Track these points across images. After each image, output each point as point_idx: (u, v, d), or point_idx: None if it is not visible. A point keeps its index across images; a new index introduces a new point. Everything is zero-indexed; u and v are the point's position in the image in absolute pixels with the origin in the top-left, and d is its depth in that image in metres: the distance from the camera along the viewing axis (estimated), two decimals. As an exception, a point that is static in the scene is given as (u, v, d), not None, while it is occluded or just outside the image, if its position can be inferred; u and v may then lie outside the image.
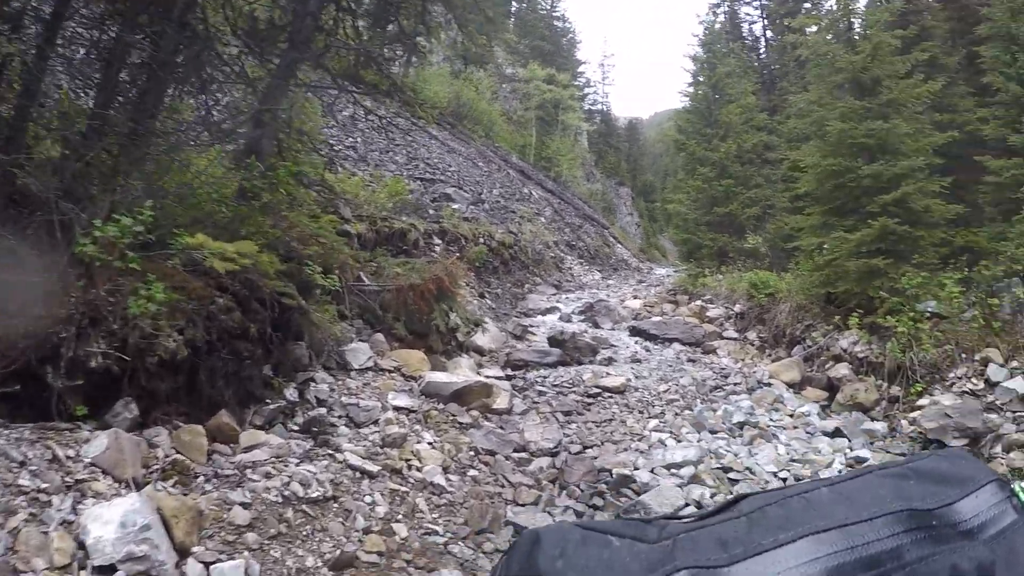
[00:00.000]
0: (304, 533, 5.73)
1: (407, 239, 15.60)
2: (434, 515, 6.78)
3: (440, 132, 32.48)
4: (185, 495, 5.48)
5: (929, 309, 11.28)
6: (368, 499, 6.54)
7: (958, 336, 10.63)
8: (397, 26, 12.51)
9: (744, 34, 44.57)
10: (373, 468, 7.01)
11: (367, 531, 6.08)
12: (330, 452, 7.10)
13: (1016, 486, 0.89)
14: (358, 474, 6.89)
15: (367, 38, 11.14)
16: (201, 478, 5.90)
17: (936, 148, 13.31)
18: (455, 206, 23.07)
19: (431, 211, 21.07)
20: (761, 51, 43.78)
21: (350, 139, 24.33)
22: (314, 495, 6.15)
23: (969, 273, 11.69)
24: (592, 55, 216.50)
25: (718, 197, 23.09)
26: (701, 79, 27.58)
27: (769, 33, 43.34)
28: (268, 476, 6.19)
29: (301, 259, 8.86)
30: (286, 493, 6.04)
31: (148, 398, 6.34)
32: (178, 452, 6.06)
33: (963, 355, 10.44)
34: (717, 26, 32.81)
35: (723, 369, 13.12)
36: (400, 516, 6.51)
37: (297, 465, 6.55)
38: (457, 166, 29.18)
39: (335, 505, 6.24)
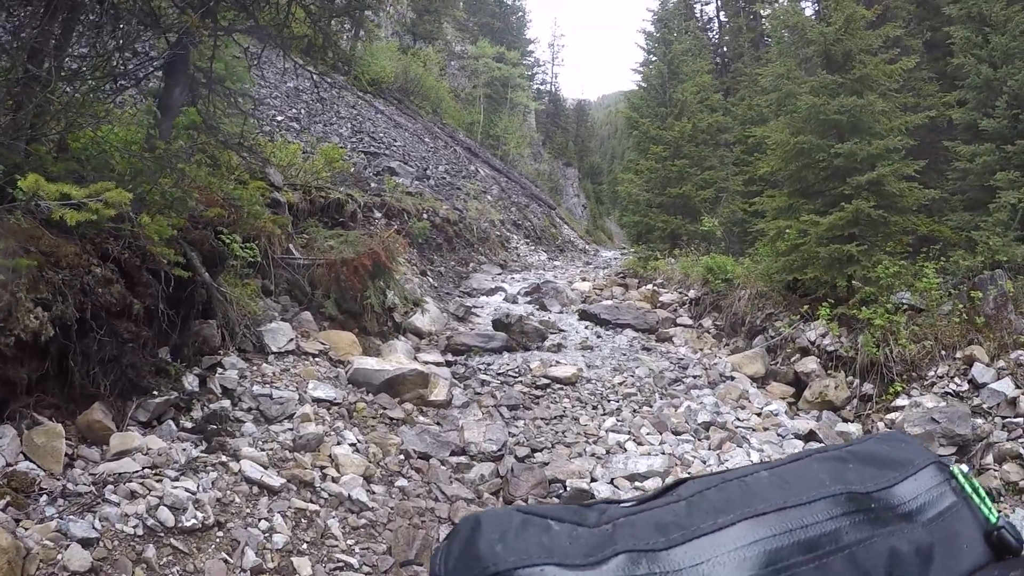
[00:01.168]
0: (168, 579, 4.55)
1: (344, 211, 14.49)
2: (349, 541, 5.67)
3: (387, 107, 31.79)
4: (17, 522, 4.28)
5: (904, 300, 10.55)
6: (264, 524, 5.39)
7: (937, 331, 9.94)
8: None
9: (697, 15, 43.99)
10: (275, 482, 5.87)
11: (257, 571, 4.91)
12: (223, 460, 5.91)
13: (955, 468, 0.88)
14: (256, 489, 5.74)
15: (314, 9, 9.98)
16: (44, 498, 4.72)
17: (908, 129, 12.59)
18: (399, 180, 22.27)
19: (373, 184, 20.12)
20: (714, 32, 43.32)
21: (293, 110, 23.72)
22: (189, 523, 4.94)
23: (944, 263, 11.00)
24: (542, 35, 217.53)
25: (671, 178, 22.34)
26: (655, 57, 26.82)
27: (723, 15, 42.77)
28: (132, 497, 5.01)
29: (212, 225, 7.66)
30: (150, 523, 4.84)
31: (4, 387, 5.19)
32: (27, 458, 4.90)
33: (943, 352, 9.74)
34: (670, 4, 31.94)
35: (681, 359, 12.29)
36: (305, 545, 5.39)
37: (175, 480, 5.36)
38: (403, 141, 28.38)
39: (219, 534, 5.07)
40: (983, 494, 0.86)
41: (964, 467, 0.94)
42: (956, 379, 9.21)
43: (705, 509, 0.79)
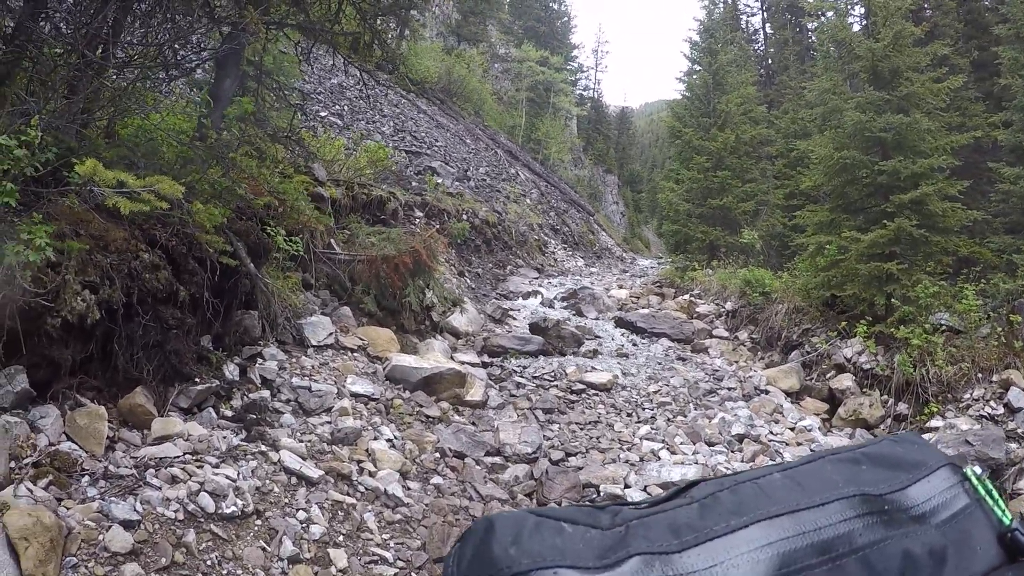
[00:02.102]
0: (208, 564, 4.60)
1: (386, 208, 14.58)
2: (385, 535, 5.70)
3: (429, 107, 31.98)
4: (59, 502, 4.35)
5: (943, 321, 10.43)
6: (302, 515, 5.43)
7: (975, 353, 9.79)
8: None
9: (743, 26, 43.79)
10: (314, 473, 5.92)
11: (294, 560, 4.95)
12: (263, 449, 5.97)
13: (968, 470, 0.88)
14: (294, 480, 5.78)
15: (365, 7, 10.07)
16: (86, 479, 4.78)
17: (953, 149, 12.45)
18: (440, 180, 22.38)
19: (414, 183, 20.22)
20: (759, 44, 43.09)
21: (336, 106, 23.94)
22: (229, 510, 4.99)
23: (984, 285, 10.86)
24: (587, 40, 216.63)
25: (712, 189, 22.23)
26: (699, 67, 26.67)
27: (768, 27, 42.52)
28: (173, 481, 5.06)
29: (259, 217, 7.75)
30: (191, 508, 4.89)
31: (49, 367, 5.27)
32: (70, 438, 4.96)
33: (980, 375, 9.60)
34: (717, 14, 31.78)
35: (716, 371, 12.21)
36: (341, 537, 5.43)
37: (216, 467, 5.41)
38: (444, 141, 28.50)
39: (258, 523, 5.11)
40: (996, 496, 0.86)
41: (977, 468, 0.88)
42: (992, 402, 9.07)
43: (718, 511, 0.79)
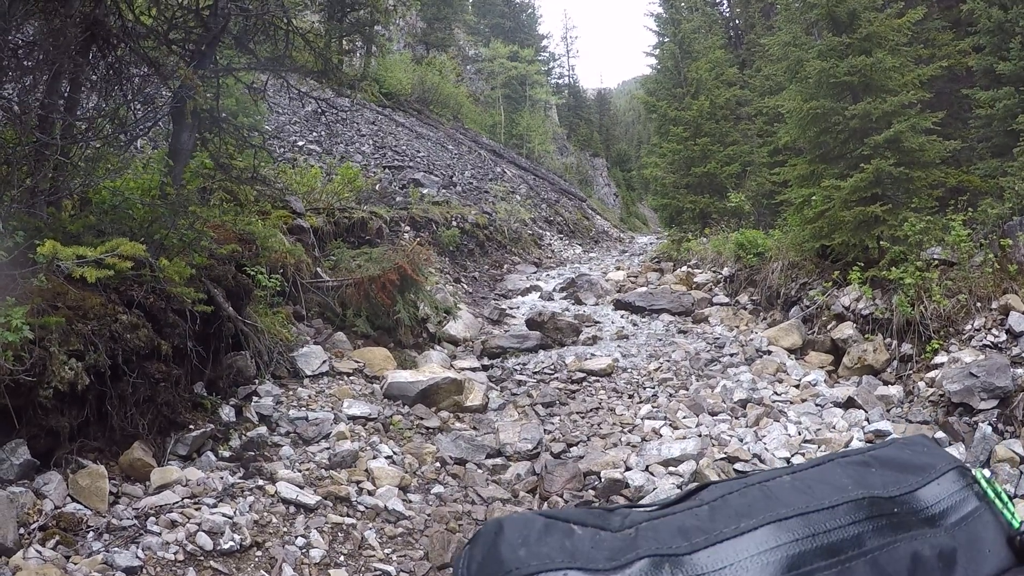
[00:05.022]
0: (209, 599, 4.70)
1: (368, 229, 14.62)
2: (387, 550, 5.76)
3: (407, 119, 31.92)
4: (67, 559, 4.47)
5: (935, 256, 10.41)
6: (301, 541, 5.51)
7: (971, 283, 9.74)
8: (352, 16, 11.51)
9: (705, -11, 43.62)
10: (311, 500, 5.99)
11: (296, 585, 5.05)
12: (260, 484, 6.05)
13: (978, 473, 0.89)
14: (292, 509, 5.86)
15: (323, 32, 10.12)
16: (91, 534, 4.92)
17: (922, 82, 12.38)
18: (425, 190, 22.40)
19: (399, 198, 20.27)
20: (724, 6, 42.93)
21: (313, 133, 23.87)
22: (227, 546, 5.09)
23: (973, 213, 10.79)
24: (554, 29, 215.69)
25: (695, 157, 22.21)
26: (666, 38, 26.64)
27: (732, -13, 42.34)
28: (172, 525, 5.18)
29: (231, 261, 7.82)
30: (190, 548, 5.00)
31: (48, 437, 5.41)
32: (74, 499, 5.10)
33: (979, 304, 9.55)
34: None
35: (717, 339, 12.23)
36: (342, 557, 5.50)
37: (213, 506, 5.51)
38: (426, 151, 28.46)
39: (257, 554, 5.20)
40: (1006, 499, 0.87)
41: (987, 471, 0.92)
42: (994, 331, 9.01)
43: (727, 514, 0.80)
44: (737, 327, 13.10)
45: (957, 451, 7.34)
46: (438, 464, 7.40)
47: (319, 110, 24.25)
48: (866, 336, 10.56)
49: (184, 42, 8.61)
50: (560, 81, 70.07)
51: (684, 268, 18.41)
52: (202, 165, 7.96)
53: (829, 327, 11.38)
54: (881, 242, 10.97)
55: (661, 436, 8.10)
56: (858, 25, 12.52)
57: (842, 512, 0.79)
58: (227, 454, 6.48)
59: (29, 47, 6.91)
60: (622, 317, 14.73)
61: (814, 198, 12.23)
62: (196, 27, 8.57)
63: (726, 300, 14.97)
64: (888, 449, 0.92)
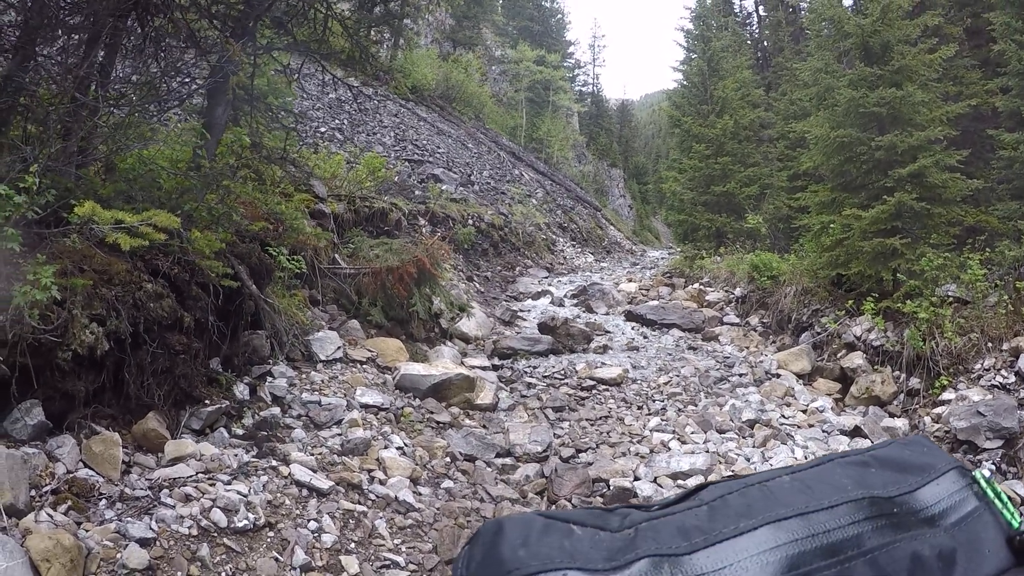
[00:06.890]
0: (222, 575, 4.73)
1: (388, 219, 14.64)
2: (396, 540, 5.80)
3: (429, 114, 32.03)
4: (78, 525, 4.49)
5: (950, 293, 10.42)
6: (313, 524, 5.55)
7: (984, 323, 9.75)
8: (383, 8, 11.56)
9: (735, 10, 43.70)
10: (324, 484, 6.03)
11: (306, 568, 5.07)
12: (274, 464, 6.09)
13: (977, 473, 0.89)
14: (305, 492, 5.89)
15: (350, 24, 10.17)
16: (104, 502, 4.92)
17: (949, 119, 12.41)
18: (443, 187, 22.44)
19: (417, 192, 20.31)
20: (754, 27, 42.98)
21: (336, 121, 23.99)
22: (241, 524, 5.13)
23: (990, 253, 10.82)
24: (582, 36, 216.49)
25: (715, 176, 22.22)
26: (694, 55, 26.67)
27: (761, 9, 42.39)
28: (187, 499, 5.19)
29: (258, 239, 7.87)
30: (204, 524, 5.02)
31: (63, 400, 5.42)
32: (87, 466, 5.10)
33: (990, 344, 9.56)
34: (709, 1, 31.75)
35: (727, 358, 12.23)
36: (352, 544, 5.53)
37: (228, 484, 5.54)
38: (446, 148, 28.52)
39: (270, 535, 5.23)
40: (1005, 499, 0.87)
41: (986, 471, 0.88)
42: (1003, 371, 9.03)
43: (727, 514, 0.80)
44: (747, 348, 13.11)
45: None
46: (448, 459, 7.43)
47: (343, 98, 24.48)
48: (875, 367, 10.58)
49: (225, 17, 8.66)
50: (584, 89, 70.03)
51: (696, 285, 18.40)
52: (238, 140, 7.99)
53: (839, 355, 11.39)
54: (898, 275, 10.98)
55: (670, 449, 8.13)
56: (891, 57, 12.54)
57: (842, 512, 0.80)
58: (240, 432, 6.51)
59: (74, 6, 6.97)
60: (633, 329, 14.73)
61: (832, 226, 12.24)
62: (238, 2, 8.62)
63: (737, 320, 14.96)
64: (888, 449, 0.93)
